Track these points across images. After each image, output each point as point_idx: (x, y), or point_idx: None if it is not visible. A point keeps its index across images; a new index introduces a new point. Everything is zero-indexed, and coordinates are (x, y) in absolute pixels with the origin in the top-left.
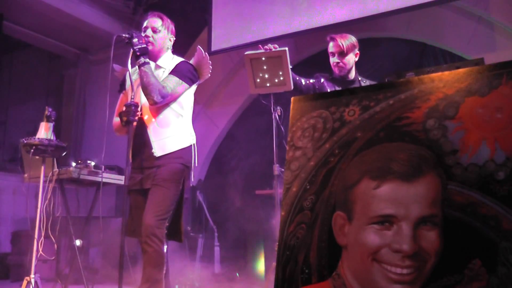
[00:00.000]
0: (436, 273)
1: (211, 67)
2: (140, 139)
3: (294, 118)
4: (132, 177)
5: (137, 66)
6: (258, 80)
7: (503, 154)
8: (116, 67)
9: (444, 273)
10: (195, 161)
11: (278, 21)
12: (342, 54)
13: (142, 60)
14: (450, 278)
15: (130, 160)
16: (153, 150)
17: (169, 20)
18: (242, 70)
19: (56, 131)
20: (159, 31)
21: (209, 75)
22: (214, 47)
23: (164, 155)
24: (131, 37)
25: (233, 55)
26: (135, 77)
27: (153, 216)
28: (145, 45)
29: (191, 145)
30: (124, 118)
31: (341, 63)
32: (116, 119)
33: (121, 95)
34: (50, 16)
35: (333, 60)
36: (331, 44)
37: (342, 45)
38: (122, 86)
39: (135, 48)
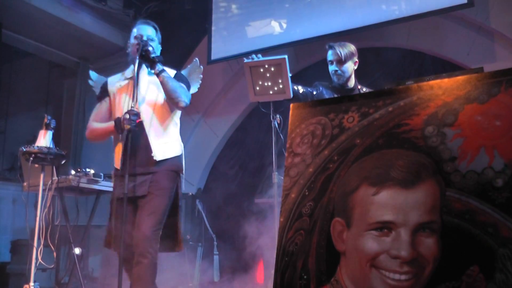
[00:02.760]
0: (434, 280)
1: (201, 81)
2: (135, 144)
3: (293, 124)
4: (122, 185)
5: (124, 74)
6: (258, 88)
7: (501, 162)
8: (92, 75)
9: (442, 279)
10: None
11: (278, 30)
12: (341, 62)
13: (160, 67)
14: (448, 284)
15: (118, 167)
16: (153, 154)
17: (156, 27)
18: (242, 79)
19: (56, 139)
20: (154, 40)
21: (197, 89)
22: (214, 56)
23: (160, 161)
24: (146, 45)
25: (233, 64)
26: (120, 84)
27: (149, 227)
28: (159, 54)
29: (182, 154)
30: (127, 126)
31: (339, 71)
32: (95, 125)
33: (103, 102)
34: (49, 25)
35: (331, 68)
36: (329, 52)
37: (340, 53)
38: (103, 94)
39: (153, 56)
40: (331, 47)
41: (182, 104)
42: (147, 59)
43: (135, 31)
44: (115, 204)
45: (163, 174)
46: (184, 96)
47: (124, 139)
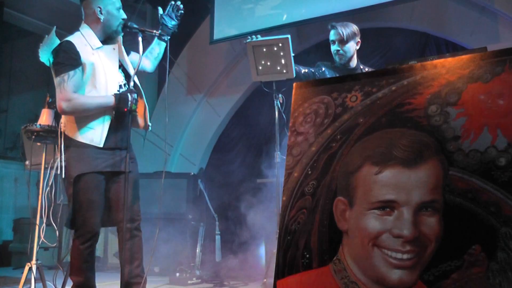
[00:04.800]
0: (436, 259)
1: None
2: (121, 122)
3: (296, 103)
4: (102, 158)
5: (88, 42)
6: (260, 68)
7: (504, 141)
8: (54, 35)
9: (444, 258)
10: None
11: (280, 10)
12: (343, 42)
13: None
14: (450, 263)
15: (97, 142)
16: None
17: None
18: (244, 58)
19: (57, 118)
20: None
21: None
22: (216, 36)
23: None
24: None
25: (235, 44)
26: (94, 54)
27: (138, 203)
28: None
29: None
30: (134, 107)
31: (341, 51)
32: (83, 99)
33: (77, 72)
34: (51, 3)
35: (333, 48)
36: (332, 32)
37: (342, 33)
38: (78, 61)
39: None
40: (333, 27)
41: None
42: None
43: (114, 1)
44: (95, 179)
45: (132, 151)
46: None
47: (122, 118)
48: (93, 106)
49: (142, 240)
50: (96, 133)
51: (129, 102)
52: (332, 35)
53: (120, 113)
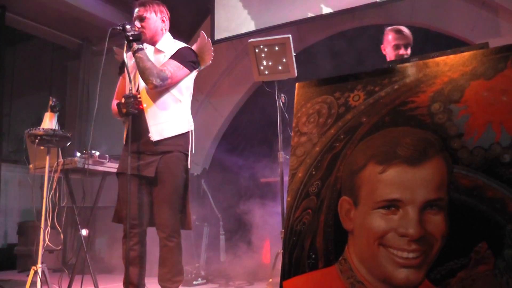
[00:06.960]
0: (442, 257)
1: (213, 53)
2: (138, 125)
3: (299, 104)
4: (126, 161)
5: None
6: (262, 68)
7: (509, 137)
8: (117, 50)
9: (450, 256)
10: (192, 148)
11: (281, 9)
12: (408, 46)
13: (135, 46)
14: (457, 261)
15: (126, 147)
16: (150, 134)
17: (154, 3)
18: (246, 58)
19: (60, 121)
20: (145, 17)
21: (211, 61)
22: (217, 36)
23: (163, 141)
24: (124, 25)
25: (237, 43)
26: (130, 63)
27: (171, 212)
28: (137, 33)
29: (188, 132)
30: (124, 110)
31: (405, 55)
32: (113, 103)
33: (120, 78)
34: (52, 6)
35: (397, 52)
36: (397, 35)
37: (409, 36)
38: (121, 69)
39: (128, 34)
40: (398, 31)
41: (150, 86)
42: (127, 39)
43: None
44: (118, 179)
45: (172, 157)
46: (152, 76)
47: (126, 122)
48: (113, 111)
49: (177, 249)
50: (129, 141)
51: (125, 105)
52: (399, 39)
53: (127, 118)
